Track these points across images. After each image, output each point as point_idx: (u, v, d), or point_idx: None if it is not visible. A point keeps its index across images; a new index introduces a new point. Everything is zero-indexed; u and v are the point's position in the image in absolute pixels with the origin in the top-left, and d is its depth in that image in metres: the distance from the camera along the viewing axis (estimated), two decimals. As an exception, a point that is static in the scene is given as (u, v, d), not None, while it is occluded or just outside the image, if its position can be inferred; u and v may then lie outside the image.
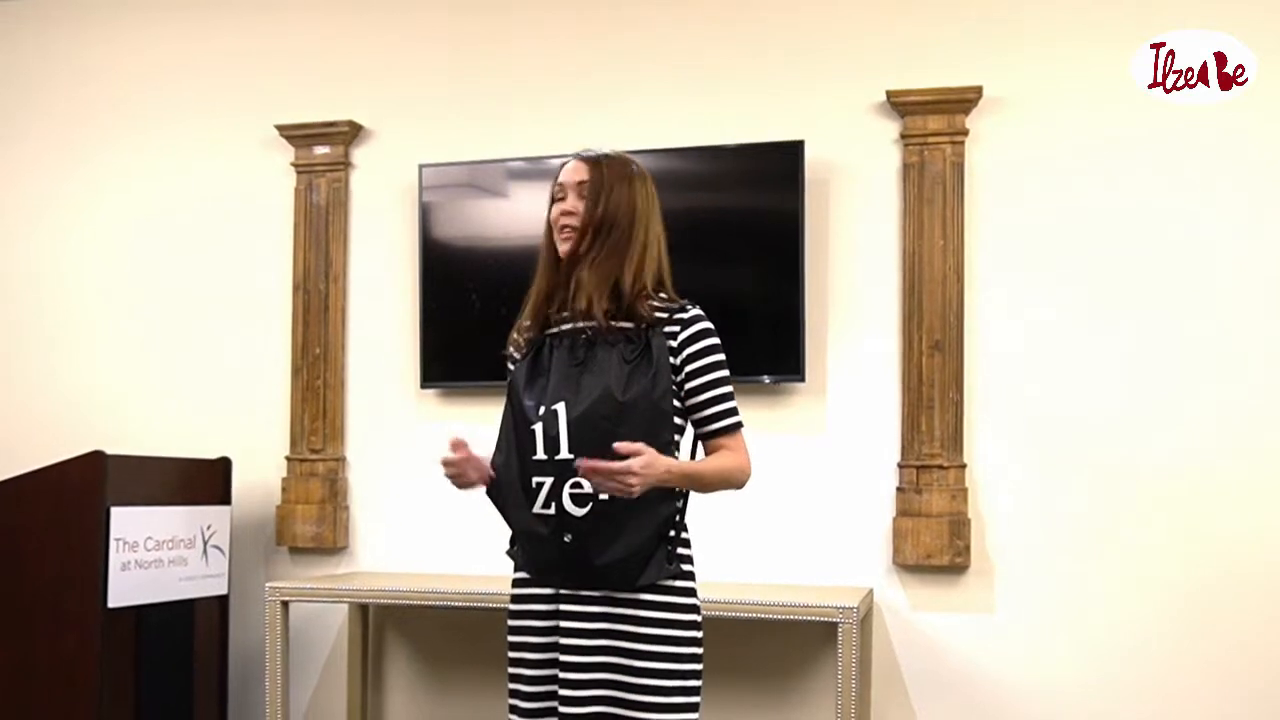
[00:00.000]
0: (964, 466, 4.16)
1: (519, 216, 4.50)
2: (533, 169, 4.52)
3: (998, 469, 4.16)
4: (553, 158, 4.44)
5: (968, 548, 4.11)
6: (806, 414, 4.30)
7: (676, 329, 2.57)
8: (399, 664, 4.66)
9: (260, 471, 4.76)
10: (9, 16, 5.25)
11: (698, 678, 2.55)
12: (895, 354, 4.25)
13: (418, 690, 4.63)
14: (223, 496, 4.47)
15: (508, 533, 2.62)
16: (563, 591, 2.54)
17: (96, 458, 3.96)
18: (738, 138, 4.33)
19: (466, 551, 4.51)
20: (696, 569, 2.62)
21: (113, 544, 3.95)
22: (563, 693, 2.51)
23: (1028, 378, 4.14)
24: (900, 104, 4.22)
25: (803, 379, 4.24)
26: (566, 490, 2.48)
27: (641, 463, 2.36)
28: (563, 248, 2.61)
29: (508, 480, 2.58)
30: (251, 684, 4.61)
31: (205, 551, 4.34)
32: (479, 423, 4.50)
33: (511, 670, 2.63)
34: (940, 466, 4.15)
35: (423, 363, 4.60)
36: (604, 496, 2.43)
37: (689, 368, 2.57)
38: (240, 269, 4.89)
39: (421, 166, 4.62)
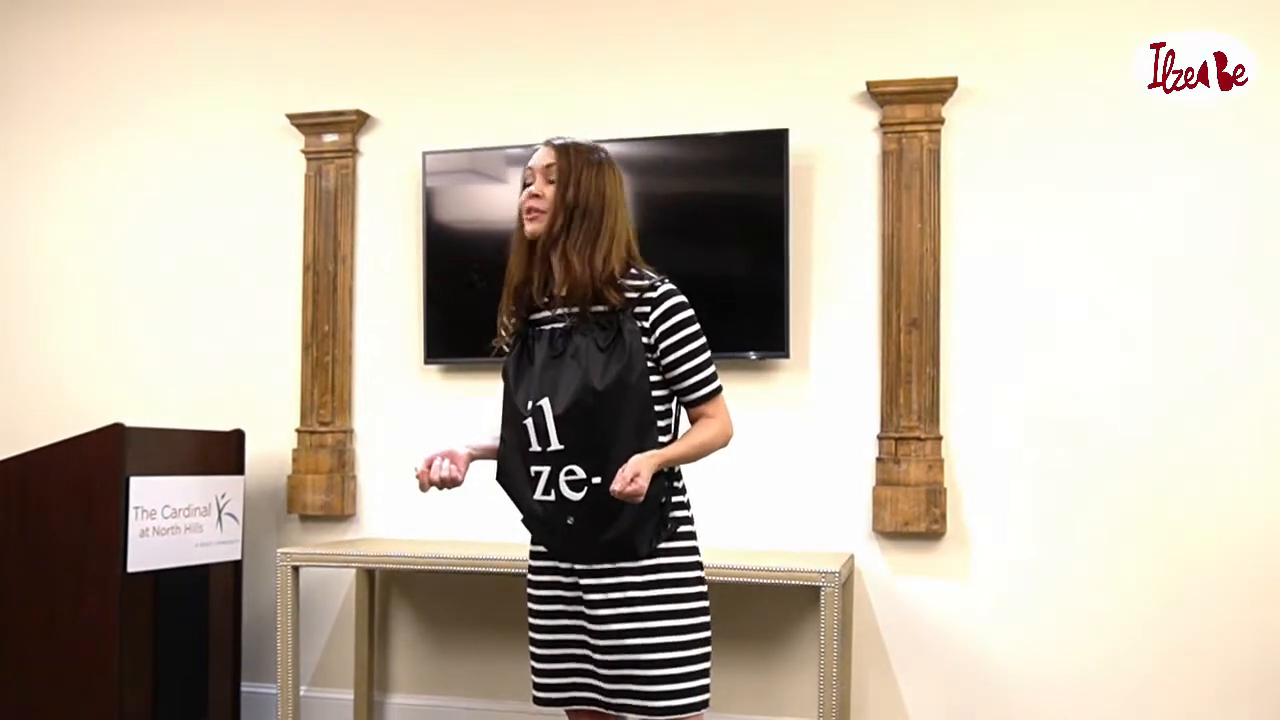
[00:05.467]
0: (940, 438, 4.16)
1: (518, 201, 4.48)
2: (531, 155, 4.50)
3: (972, 441, 4.17)
4: (550, 145, 4.45)
5: (943, 515, 4.13)
6: (790, 388, 4.30)
7: (647, 309, 2.56)
8: (403, 625, 4.67)
9: (272, 443, 4.77)
10: (25, 9, 5.24)
11: (708, 630, 2.60)
12: (875, 331, 4.25)
13: (421, 650, 4.64)
14: (236, 467, 4.47)
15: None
16: (578, 566, 2.57)
17: (116, 430, 3.96)
18: (725, 126, 4.33)
19: (467, 519, 4.52)
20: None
21: (132, 512, 3.95)
22: (599, 656, 2.56)
23: (1001, 354, 4.15)
24: (879, 94, 4.21)
25: (787, 355, 4.24)
26: (563, 477, 2.51)
27: (630, 472, 2.40)
28: (529, 228, 2.61)
29: (512, 469, 2.61)
30: (264, 645, 4.62)
31: (220, 519, 4.34)
32: (479, 396, 4.54)
33: (535, 635, 2.66)
34: (918, 438, 4.16)
35: (426, 340, 4.60)
36: (596, 480, 2.48)
37: (664, 344, 2.56)
38: (254, 251, 4.89)
39: (425, 153, 4.61)
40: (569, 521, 2.52)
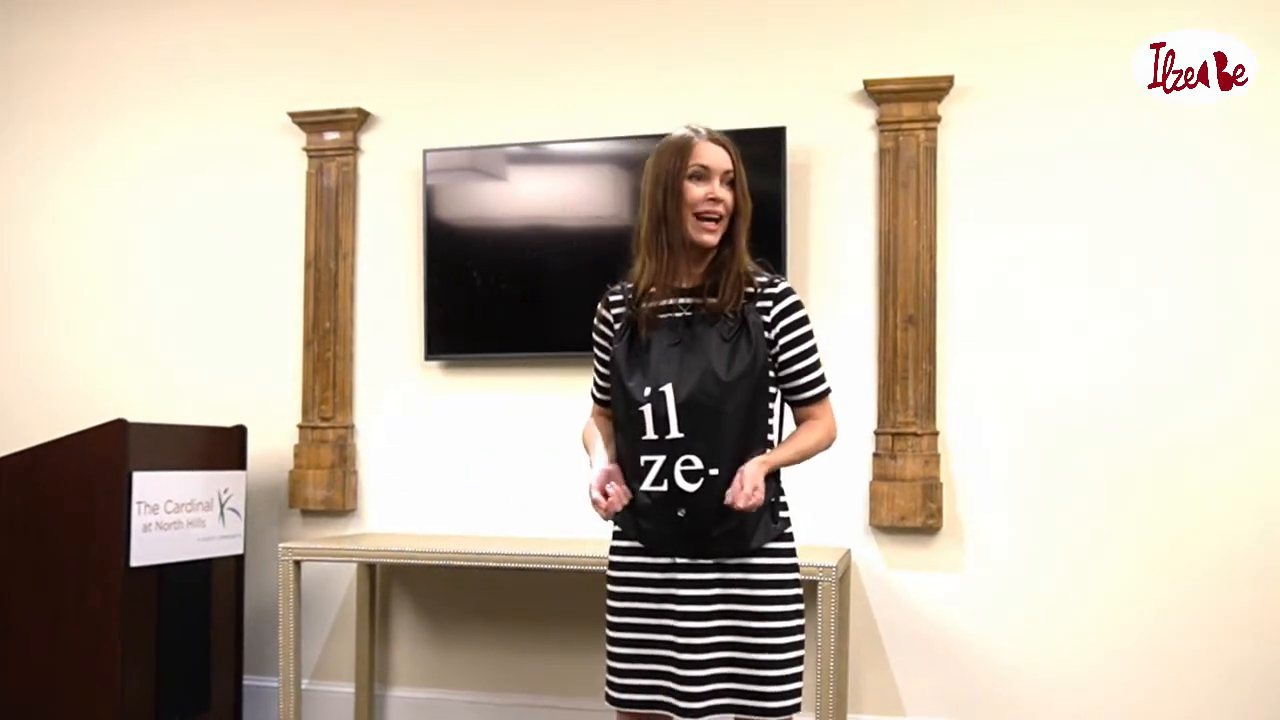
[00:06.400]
0: (936, 434, 4.17)
1: (517, 198, 4.51)
2: (530, 153, 4.52)
3: (967, 436, 4.18)
4: (549, 143, 4.47)
5: (939, 510, 4.14)
6: (788, 385, 4.31)
7: (769, 304, 2.56)
8: (404, 619, 4.68)
9: (274, 438, 4.78)
10: (25, 9, 5.25)
11: (802, 632, 2.58)
12: (871, 328, 4.26)
13: (421, 643, 4.66)
14: (239, 462, 4.48)
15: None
16: (679, 561, 2.53)
17: (120, 426, 3.97)
18: (723, 124, 4.26)
19: (467, 513, 4.53)
20: None
21: (135, 507, 3.96)
22: (683, 657, 2.51)
23: (996, 350, 4.16)
24: (876, 92, 4.22)
25: (784, 352, 4.24)
26: (679, 467, 2.47)
27: (750, 485, 2.40)
28: (708, 237, 2.55)
29: (621, 457, 2.59)
30: (266, 638, 4.64)
31: (222, 514, 4.36)
32: (479, 391, 4.55)
33: (617, 634, 2.59)
34: (914, 434, 4.17)
35: (427, 336, 4.61)
36: (714, 471, 2.45)
37: (783, 340, 2.56)
38: (255, 248, 4.90)
39: (426, 151, 4.62)
40: (680, 514, 2.48)
